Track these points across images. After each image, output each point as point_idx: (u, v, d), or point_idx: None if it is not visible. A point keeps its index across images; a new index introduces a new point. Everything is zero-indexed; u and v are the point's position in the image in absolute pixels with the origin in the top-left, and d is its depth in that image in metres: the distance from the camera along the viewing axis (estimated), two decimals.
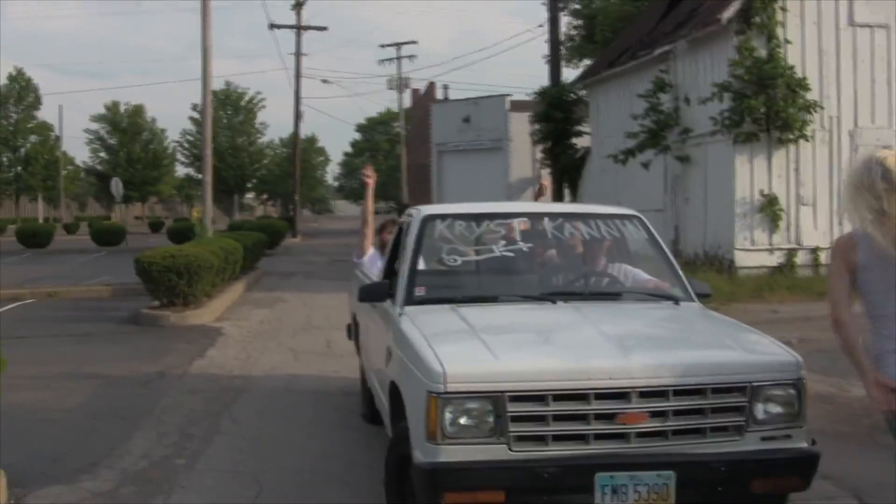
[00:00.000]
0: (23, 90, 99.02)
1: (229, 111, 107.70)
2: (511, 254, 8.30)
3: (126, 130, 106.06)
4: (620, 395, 6.06)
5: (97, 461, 9.53)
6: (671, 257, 8.61)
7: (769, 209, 24.53)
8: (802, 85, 24.06)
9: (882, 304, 5.70)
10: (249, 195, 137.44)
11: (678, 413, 6.15)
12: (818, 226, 24.96)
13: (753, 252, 24.85)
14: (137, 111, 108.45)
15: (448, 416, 6.00)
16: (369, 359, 9.78)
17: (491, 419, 6.01)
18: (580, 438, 6.06)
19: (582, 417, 6.05)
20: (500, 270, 8.39)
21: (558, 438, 6.05)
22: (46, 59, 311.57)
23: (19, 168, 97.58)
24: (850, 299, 5.77)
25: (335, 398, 12.56)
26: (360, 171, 12.24)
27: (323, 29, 76.60)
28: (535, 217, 8.87)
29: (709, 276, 21.85)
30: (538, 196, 12.54)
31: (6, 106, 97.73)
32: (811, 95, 24.29)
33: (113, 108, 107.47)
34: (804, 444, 6.43)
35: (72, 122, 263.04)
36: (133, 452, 9.88)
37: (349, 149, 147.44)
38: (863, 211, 5.67)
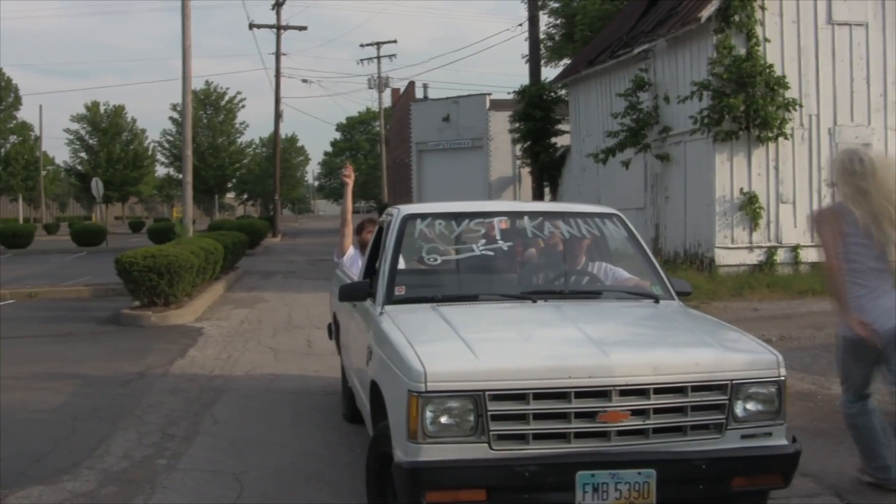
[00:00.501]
0: (3, 90, 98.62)
1: (209, 111, 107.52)
2: (491, 253, 8.30)
3: (106, 131, 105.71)
4: (601, 393, 6.05)
5: (78, 461, 9.52)
6: (651, 255, 8.61)
7: (749, 207, 24.59)
8: (781, 83, 24.13)
9: (862, 261, 7.94)
10: (230, 195, 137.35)
11: (659, 411, 6.15)
12: (798, 223, 25.01)
13: (733, 250, 24.91)
14: (118, 111, 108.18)
15: (429, 415, 5.99)
16: (350, 358, 9.77)
17: (472, 418, 6.00)
18: (561, 437, 6.06)
19: (562, 416, 6.04)
20: (480, 269, 8.39)
21: (539, 437, 6.04)
22: (25, 58, 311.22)
23: None
24: (841, 254, 7.91)
25: (316, 398, 12.56)
26: (339, 170, 12.28)
27: (303, 29, 76.54)
28: (514, 216, 8.89)
29: (689, 275, 21.97)
30: None
31: None
32: (790, 94, 24.35)
33: (93, 108, 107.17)
34: (784, 442, 6.44)
35: (51, 122, 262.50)
36: (114, 452, 9.86)
37: (329, 148, 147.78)
38: (846, 189, 7.93)
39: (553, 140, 39.79)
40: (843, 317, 8.00)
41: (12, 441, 10.36)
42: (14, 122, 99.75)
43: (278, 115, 70.90)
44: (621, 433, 6.09)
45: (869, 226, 7.83)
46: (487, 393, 5.97)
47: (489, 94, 59.07)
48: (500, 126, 53.27)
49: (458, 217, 8.66)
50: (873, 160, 7.90)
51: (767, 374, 6.40)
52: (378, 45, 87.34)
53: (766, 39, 24.57)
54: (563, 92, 39.47)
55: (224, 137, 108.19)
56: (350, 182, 11.84)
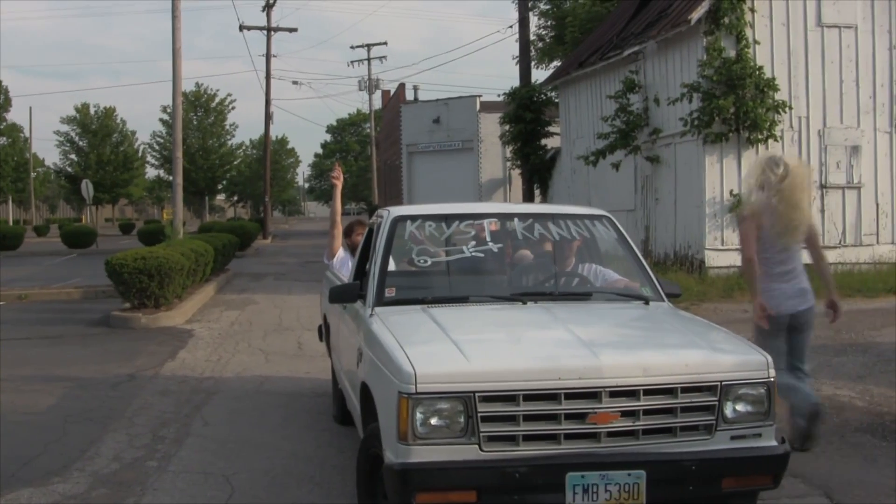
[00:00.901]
0: None
1: (200, 113, 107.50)
2: (481, 254, 8.32)
3: (96, 132, 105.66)
4: (591, 394, 6.06)
5: (68, 463, 9.52)
6: (641, 257, 8.63)
7: (739, 209, 24.52)
8: (771, 85, 24.13)
9: (771, 253, 9.26)
10: (220, 197, 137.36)
11: (648, 412, 6.17)
12: None
13: (723, 252, 24.88)
14: (108, 113, 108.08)
15: (419, 416, 5.99)
16: (340, 360, 9.77)
17: (462, 419, 6.01)
18: (551, 438, 6.07)
19: (552, 417, 6.06)
20: (470, 271, 8.40)
21: (529, 438, 6.05)
22: (15, 59, 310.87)
23: None
24: (756, 247, 9.22)
25: (306, 399, 12.55)
26: (329, 172, 12.26)
27: (293, 30, 76.30)
28: (504, 217, 8.90)
29: (679, 276, 22.02)
30: None
31: None
32: (780, 95, 24.34)
33: (83, 109, 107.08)
34: (774, 443, 6.46)
35: (41, 124, 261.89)
36: (104, 455, 9.86)
37: (320, 150, 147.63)
38: (765, 188, 9.22)
39: (543, 142, 39.77)
40: (753, 301, 9.36)
41: (2, 443, 10.35)
42: (4, 123, 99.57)
43: (268, 117, 70.75)
44: (611, 434, 6.11)
45: (779, 221, 9.20)
46: (477, 394, 5.98)
47: (479, 95, 59.02)
48: (491, 128, 53.27)
49: (448, 219, 8.67)
50: (789, 165, 9.29)
51: (757, 376, 6.41)
52: (368, 46, 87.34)
53: (755, 41, 24.58)
54: (553, 94, 39.46)
55: (214, 139, 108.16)
56: (339, 184, 11.85)
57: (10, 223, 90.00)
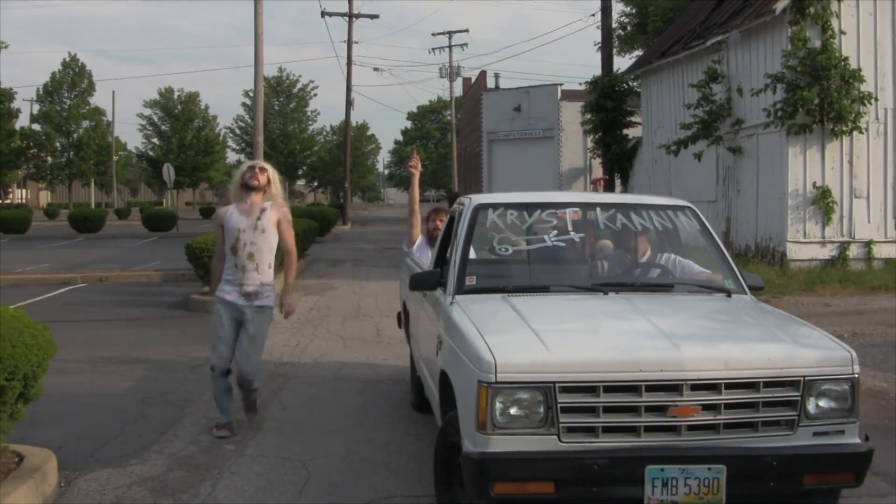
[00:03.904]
0: (76, 76, 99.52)
1: (282, 98, 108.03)
2: (562, 244, 8.26)
3: (179, 117, 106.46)
4: (672, 387, 6.01)
5: (146, 445, 9.59)
6: (723, 249, 8.53)
7: (822, 201, 24.32)
8: (857, 76, 23.83)
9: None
10: (300, 182, 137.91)
11: (730, 406, 6.09)
12: (871, 218, 24.74)
13: (805, 245, 24.67)
14: (191, 98, 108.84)
15: (498, 406, 5.96)
16: (419, 347, 9.75)
17: (541, 410, 5.97)
18: (631, 430, 6.02)
19: (633, 409, 6.00)
20: (551, 260, 8.35)
21: (609, 430, 6.00)
22: (99, 44, 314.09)
23: (72, 153, 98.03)
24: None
25: (384, 386, 12.57)
26: (407, 160, 12.24)
27: (375, 17, 76.54)
28: (586, 207, 8.84)
29: (760, 269, 21.81)
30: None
31: (60, 91, 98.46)
32: (866, 87, 24.05)
33: (166, 94, 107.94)
34: (857, 440, 6.36)
35: (121, 108, 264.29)
36: (182, 437, 9.93)
37: (400, 137, 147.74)
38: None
39: (624, 131, 39.64)
40: None
41: (81, 424, 10.48)
42: (87, 107, 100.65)
43: (349, 103, 70.99)
44: (692, 428, 6.05)
45: None
46: (557, 385, 5.94)
47: (561, 84, 59.01)
48: (572, 117, 53.23)
49: (529, 207, 8.64)
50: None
51: (841, 371, 6.31)
52: (450, 34, 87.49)
53: (841, 31, 24.27)
54: (635, 83, 39.30)
55: (295, 125, 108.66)
56: (416, 173, 11.82)
57: (92, 206, 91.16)
